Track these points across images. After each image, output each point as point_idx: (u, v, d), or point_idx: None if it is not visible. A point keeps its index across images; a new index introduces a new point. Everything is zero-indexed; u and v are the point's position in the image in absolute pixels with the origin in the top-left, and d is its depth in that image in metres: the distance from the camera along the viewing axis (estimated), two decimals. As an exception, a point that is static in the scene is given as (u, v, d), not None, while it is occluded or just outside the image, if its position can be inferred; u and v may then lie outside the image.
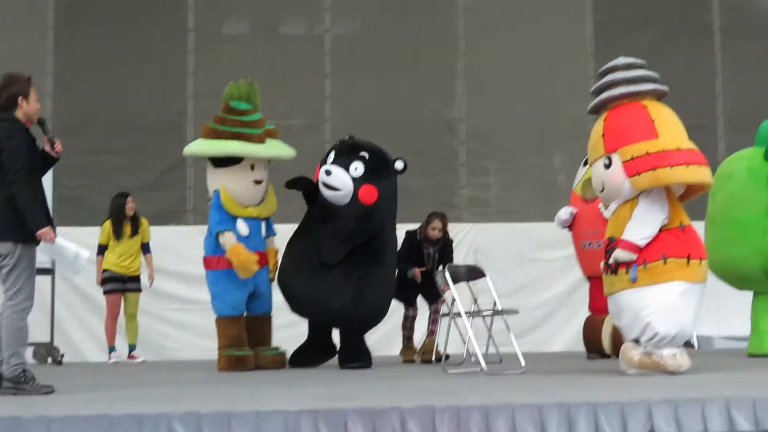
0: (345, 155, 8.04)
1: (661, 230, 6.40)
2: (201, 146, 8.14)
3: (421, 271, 8.75)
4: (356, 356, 7.97)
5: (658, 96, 6.81)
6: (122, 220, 9.48)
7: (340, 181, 7.90)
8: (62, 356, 9.70)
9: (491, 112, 13.11)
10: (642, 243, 6.37)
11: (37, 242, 5.75)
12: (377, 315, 8.15)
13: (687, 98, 12.88)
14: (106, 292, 9.50)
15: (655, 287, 6.32)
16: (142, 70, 12.71)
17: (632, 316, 6.43)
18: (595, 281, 8.72)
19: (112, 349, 9.49)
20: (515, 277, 11.26)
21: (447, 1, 13.30)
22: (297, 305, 8.14)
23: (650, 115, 6.57)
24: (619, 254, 6.42)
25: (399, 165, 8.14)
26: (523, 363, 7.04)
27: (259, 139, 8.04)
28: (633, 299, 6.41)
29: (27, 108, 5.90)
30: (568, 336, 11.24)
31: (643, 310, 6.33)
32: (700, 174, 6.42)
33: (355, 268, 7.86)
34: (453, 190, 12.62)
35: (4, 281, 5.67)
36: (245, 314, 8.10)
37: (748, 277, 8.36)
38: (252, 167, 8.06)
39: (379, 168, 8.05)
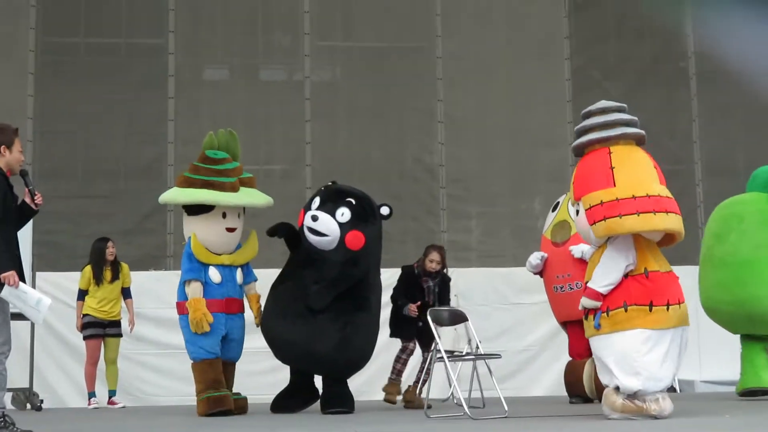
0: (331, 201, 8.04)
1: (626, 276, 6.41)
2: (173, 194, 8.28)
3: (417, 305, 8.69)
4: (339, 401, 7.89)
5: (637, 140, 6.83)
6: (103, 265, 9.44)
7: (326, 226, 7.89)
8: (41, 402, 9.60)
9: (471, 157, 13.20)
10: (604, 290, 6.40)
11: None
12: (361, 360, 8.10)
13: (664, 143, 13.06)
14: (86, 338, 9.42)
15: (615, 335, 6.34)
16: (122, 115, 12.75)
17: (599, 363, 6.47)
18: (571, 325, 8.74)
19: (92, 394, 9.39)
20: (496, 321, 11.27)
21: (426, 47, 13.43)
22: (281, 350, 8.07)
23: (611, 163, 6.57)
24: (584, 301, 6.49)
25: (385, 210, 8.17)
26: (506, 408, 7.04)
27: (232, 188, 8.08)
28: (598, 346, 6.46)
29: (9, 158, 5.94)
30: (550, 380, 11.22)
31: (605, 358, 6.37)
32: (654, 222, 6.37)
33: (341, 314, 7.82)
34: (434, 234, 12.63)
35: None
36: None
37: (764, 318, 8.36)
38: (224, 215, 8.10)
39: (365, 214, 8.06)
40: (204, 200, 8.00)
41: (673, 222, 6.44)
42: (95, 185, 12.44)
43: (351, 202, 7.99)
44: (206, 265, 8.02)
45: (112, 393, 9.45)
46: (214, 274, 8.01)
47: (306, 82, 13.15)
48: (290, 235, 8.21)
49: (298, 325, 7.81)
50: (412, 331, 8.77)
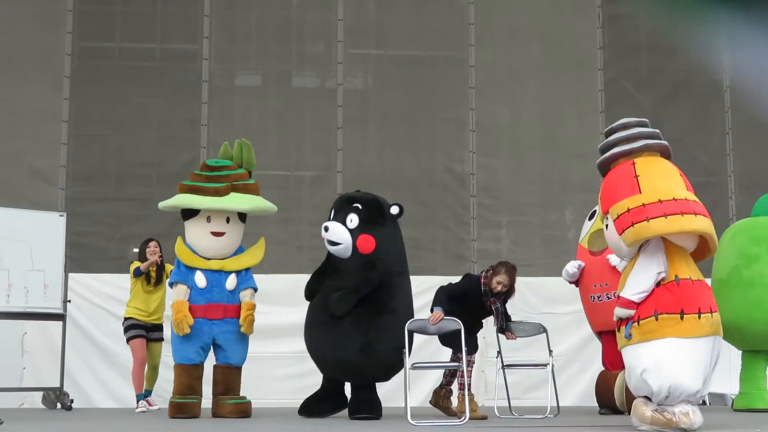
0: (341, 210, 8.20)
1: (657, 285, 6.36)
2: (166, 200, 8.41)
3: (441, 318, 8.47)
4: (365, 407, 7.95)
5: (662, 152, 6.78)
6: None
7: (338, 235, 8.04)
8: (72, 401, 9.65)
9: (502, 166, 13.20)
10: (637, 298, 6.34)
11: None
12: (388, 365, 8.02)
13: (698, 156, 13.00)
14: (129, 339, 9.16)
15: (647, 344, 6.28)
16: (155, 119, 12.86)
17: (631, 373, 6.42)
18: (606, 335, 8.70)
19: (140, 396, 9.13)
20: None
21: (459, 56, 13.45)
22: (314, 359, 8.27)
23: (635, 171, 6.55)
24: (617, 311, 6.43)
25: (394, 210, 8.20)
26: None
27: (215, 192, 8.17)
28: (629, 356, 6.41)
29: None
30: (579, 391, 11.18)
31: (636, 368, 6.32)
32: (682, 223, 6.28)
33: (363, 318, 7.88)
34: (464, 243, 12.64)
35: None
36: (214, 364, 8.23)
37: None
38: (208, 219, 8.19)
39: (373, 216, 8.15)
40: (182, 204, 8.24)
41: (701, 224, 6.34)
42: (128, 189, 12.53)
43: (358, 207, 8.13)
44: (193, 269, 8.13)
45: (147, 393, 9.30)
46: (200, 279, 8.12)
47: (338, 89, 13.20)
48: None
49: (322, 333, 7.99)
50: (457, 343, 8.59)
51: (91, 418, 8.31)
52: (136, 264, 9.15)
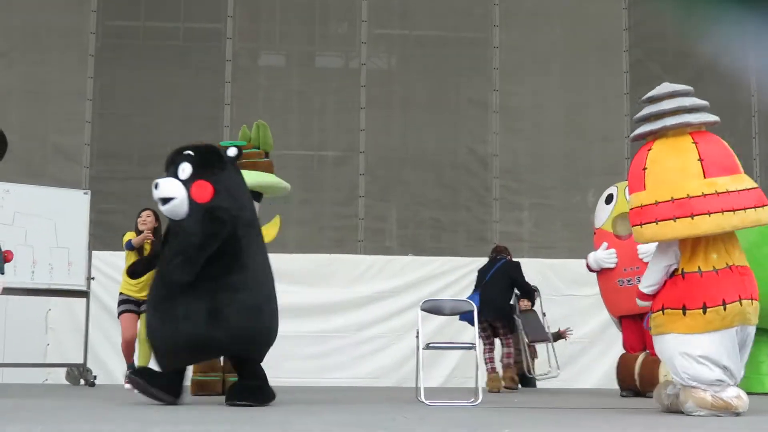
0: (172, 163, 6.87)
1: (671, 277, 6.25)
2: None
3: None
4: (243, 391, 6.61)
5: (707, 125, 6.51)
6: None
7: (169, 189, 6.65)
8: (95, 378, 9.72)
9: (525, 148, 13.15)
10: (647, 291, 6.25)
11: None
12: (247, 333, 6.63)
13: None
14: (120, 313, 9.09)
15: (660, 338, 6.24)
16: (179, 98, 12.89)
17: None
18: (626, 320, 8.65)
19: (129, 366, 8.96)
20: (547, 312, 11.22)
21: (483, 37, 13.39)
22: (155, 346, 6.75)
23: (645, 162, 6.30)
24: (637, 301, 6.41)
25: (232, 152, 6.98)
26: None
27: None
28: (655, 346, 6.40)
29: None
30: (601, 372, 11.18)
31: (662, 357, 6.30)
32: (673, 230, 6.01)
33: (207, 281, 6.54)
34: (486, 224, 12.62)
35: None
36: None
37: None
38: None
39: (208, 161, 6.87)
40: None
41: (698, 227, 5.98)
42: (151, 167, 12.53)
43: (189, 154, 6.82)
44: None
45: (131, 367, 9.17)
46: None
47: (361, 69, 13.18)
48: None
49: (162, 311, 6.62)
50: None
51: (114, 394, 8.36)
52: (130, 235, 8.93)
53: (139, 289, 8.88)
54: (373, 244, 12.58)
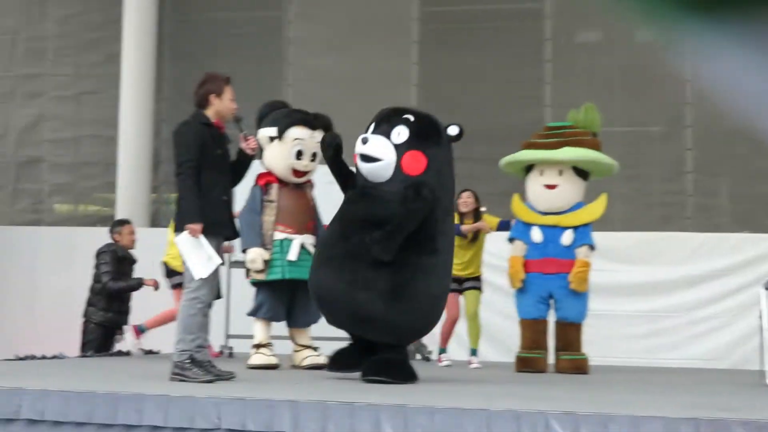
0: (386, 121, 6.41)
1: None
2: (504, 158, 8.57)
3: None
4: (381, 367, 6.15)
5: None
6: None
7: (378, 149, 6.27)
8: (430, 353, 9.69)
9: None
10: None
11: (215, 236, 5.84)
12: (422, 320, 6.38)
13: None
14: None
15: None
16: (500, 80, 13.03)
17: None
18: None
19: (443, 350, 9.01)
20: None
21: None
22: (321, 305, 6.48)
23: None
24: None
25: (453, 130, 6.51)
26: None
27: (546, 146, 8.21)
28: None
29: (219, 106, 5.98)
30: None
31: None
32: None
33: (396, 254, 6.11)
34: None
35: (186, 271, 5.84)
36: (555, 320, 8.22)
37: None
38: (541, 173, 8.24)
39: (426, 132, 6.41)
40: (512, 158, 8.37)
41: None
42: (475, 149, 12.78)
43: (409, 119, 6.37)
44: (529, 225, 8.20)
45: (473, 352, 9.02)
46: (536, 234, 8.17)
47: (684, 41, 12.70)
48: (338, 152, 6.56)
49: (337, 269, 6.22)
50: None
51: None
52: None
53: (463, 266, 8.89)
54: (702, 221, 12.16)
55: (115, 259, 8.98)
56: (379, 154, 6.25)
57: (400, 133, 6.29)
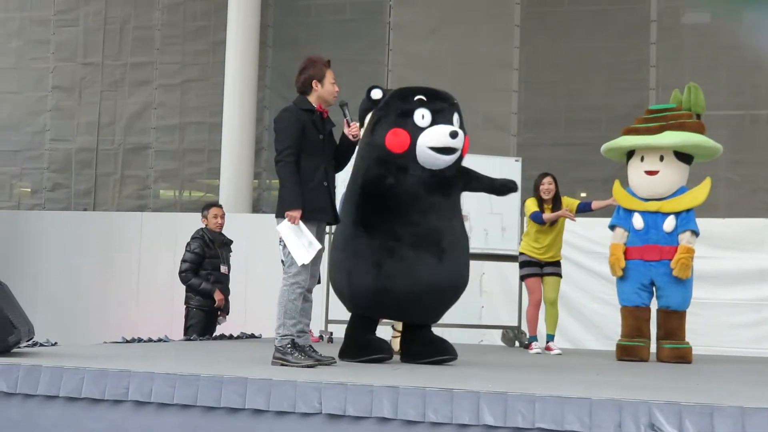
0: (443, 108, 6.40)
1: None
2: (605, 144, 8.40)
3: None
4: (441, 346, 6.43)
5: None
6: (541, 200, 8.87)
7: (462, 142, 6.38)
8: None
9: None
10: None
11: (316, 222, 5.84)
12: (461, 281, 6.55)
13: None
14: (525, 277, 8.96)
15: None
16: (603, 63, 12.87)
17: None
18: None
19: (533, 338, 8.95)
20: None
21: None
22: (384, 297, 6.35)
23: None
24: None
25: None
26: None
27: (647, 131, 8.04)
28: None
29: (321, 91, 5.95)
30: None
31: None
32: None
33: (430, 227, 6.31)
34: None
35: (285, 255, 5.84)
36: (657, 308, 8.01)
37: None
38: (642, 159, 8.06)
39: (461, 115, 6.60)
40: (613, 144, 8.20)
41: None
42: (577, 133, 12.68)
43: (456, 104, 6.48)
44: (631, 212, 8.04)
45: (550, 337, 8.90)
46: (637, 221, 7.99)
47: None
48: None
49: (398, 261, 6.26)
50: None
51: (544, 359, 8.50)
52: (531, 201, 8.80)
53: (544, 250, 8.87)
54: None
55: (203, 245, 8.93)
56: (460, 146, 6.38)
57: (457, 120, 6.44)
